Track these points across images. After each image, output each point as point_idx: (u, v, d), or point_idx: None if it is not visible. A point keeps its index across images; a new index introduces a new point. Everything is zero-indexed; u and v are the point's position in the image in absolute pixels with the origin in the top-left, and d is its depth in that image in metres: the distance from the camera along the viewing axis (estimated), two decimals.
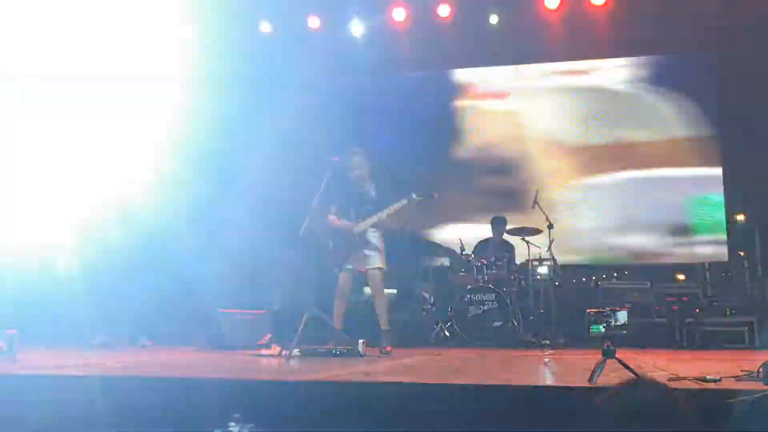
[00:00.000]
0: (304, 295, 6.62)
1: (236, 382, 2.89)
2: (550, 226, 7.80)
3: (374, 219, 5.41)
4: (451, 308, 7.37)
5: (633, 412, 1.50)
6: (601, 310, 2.90)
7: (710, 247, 8.56)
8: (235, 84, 9.49)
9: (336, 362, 4.07)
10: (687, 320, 7.39)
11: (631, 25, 8.71)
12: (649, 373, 3.09)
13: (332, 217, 5.53)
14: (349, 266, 5.46)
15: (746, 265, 7.84)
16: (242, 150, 9.53)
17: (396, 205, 5.43)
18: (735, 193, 8.55)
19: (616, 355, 2.69)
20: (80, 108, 7.19)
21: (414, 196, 5.48)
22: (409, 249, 8.09)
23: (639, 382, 1.54)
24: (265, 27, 9.50)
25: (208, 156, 9.10)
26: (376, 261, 5.45)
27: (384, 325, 5.47)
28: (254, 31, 9.48)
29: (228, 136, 9.64)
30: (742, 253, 8.46)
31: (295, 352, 4.62)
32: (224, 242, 8.77)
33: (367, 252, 5.45)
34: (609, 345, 2.70)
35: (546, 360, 4.62)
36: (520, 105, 9.56)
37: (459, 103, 9.80)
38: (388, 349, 5.29)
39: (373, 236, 5.49)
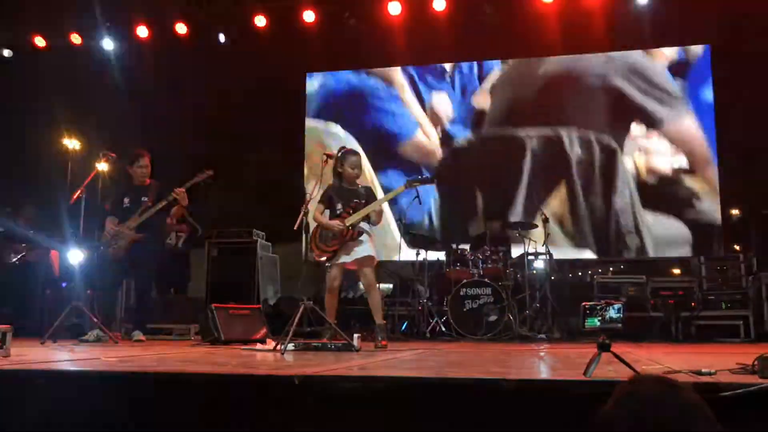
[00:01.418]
0: (299, 290, 6.61)
1: (231, 377, 2.87)
2: (546, 220, 7.81)
3: (370, 208, 5.34)
4: (446, 302, 7.37)
5: (644, 415, 1.45)
6: (596, 303, 2.89)
7: (705, 241, 8.57)
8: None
9: (331, 357, 4.06)
10: (682, 314, 7.42)
11: (626, 18, 8.73)
12: (644, 367, 3.10)
13: (318, 216, 5.45)
14: (340, 260, 5.43)
15: (741, 259, 7.87)
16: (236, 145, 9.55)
17: (392, 192, 5.39)
18: (730, 187, 8.56)
19: (612, 349, 2.69)
20: None
21: (411, 182, 5.45)
22: (405, 243, 8.09)
23: (640, 382, 1.50)
24: (260, 21, 9.50)
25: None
26: (366, 255, 5.39)
27: (378, 319, 5.44)
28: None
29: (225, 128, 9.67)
30: (737, 247, 8.48)
31: (290, 346, 4.60)
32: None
33: (357, 245, 5.39)
34: (604, 339, 2.69)
35: (541, 354, 4.62)
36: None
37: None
38: (384, 343, 5.27)
39: (365, 228, 5.43)
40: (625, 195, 8.88)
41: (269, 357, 4.19)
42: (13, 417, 2.71)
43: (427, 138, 9.68)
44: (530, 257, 7.85)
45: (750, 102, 8.13)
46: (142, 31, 9.82)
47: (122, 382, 2.84)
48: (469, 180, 9.38)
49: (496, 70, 9.60)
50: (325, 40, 9.43)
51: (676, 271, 8.76)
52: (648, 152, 8.93)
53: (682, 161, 8.82)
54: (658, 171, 8.88)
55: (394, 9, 9.06)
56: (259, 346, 5.31)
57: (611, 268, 8.58)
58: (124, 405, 2.71)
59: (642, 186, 8.90)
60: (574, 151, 9.09)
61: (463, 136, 9.65)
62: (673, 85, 8.92)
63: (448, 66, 9.72)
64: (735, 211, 8.90)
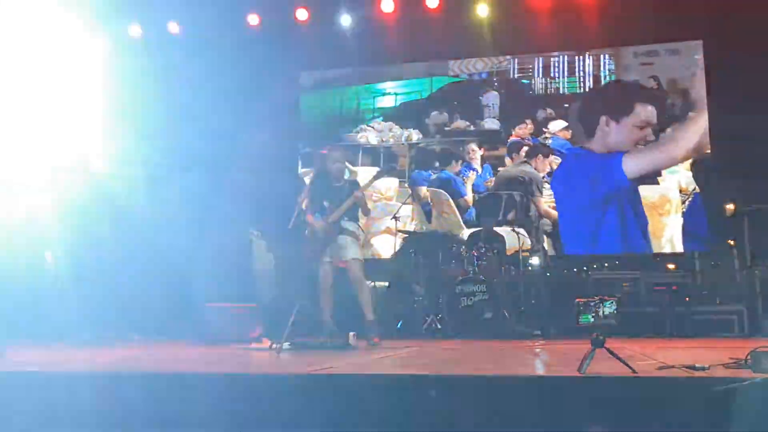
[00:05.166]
0: (294, 288, 6.60)
1: (227, 377, 2.88)
2: (540, 217, 7.82)
3: (348, 203, 5.36)
4: (441, 300, 7.37)
5: None
6: (589, 300, 2.90)
7: (699, 236, 8.58)
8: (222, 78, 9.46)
9: (326, 355, 4.06)
10: (677, 309, 7.42)
11: (620, 15, 8.73)
12: (638, 363, 3.11)
13: (309, 217, 5.53)
14: (327, 259, 5.44)
15: (735, 253, 7.88)
16: (230, 144, 9.52)
17: (366, 183, 5.49)
18: (724, 182, 8.57)
19: (606, 345, 2.70)
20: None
21: (381, 170, 5.70)
22: (400, 242, 8.09)
23: None
24: (253, 20, 9.46)
25: (196, 151, 9.09)
26: (351, 252, 5.40)
27: (369, 315, 5.44)
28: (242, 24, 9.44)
29: (216, 129, 9.63)
30: (731, 242, 8.49)
31: (286, 345, 4.61)
32: (213, 236, 8.74)
33: (342, 243, 5.41)
34: (598, 335, 2.70)
35: (536, 350, 4.63)
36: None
37: None
38: (376, 340, 5.26)
39: (350, 226, 5.47)
40: None
41: (265, 356, 4.20)
42: (7, 418, 2.71)
43: None
44: (524, 254, 7.85)
45: (742, 96, 8.13)
46: (135, 30, 9.77)
47: (117, 383, 2.84)
48: None
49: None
50: (319, 38, 9.40)
51: (671, 266, 8.76)
52: None
53: None
54: None
55: (387, 7, 9.03)
56: (254, 345, 5.31)
57: (606, 264, 8.57)
58: (118, 406, 2.71)
59: None
60: None
61: None
62: None
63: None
64: (729, 206, 8.91)
